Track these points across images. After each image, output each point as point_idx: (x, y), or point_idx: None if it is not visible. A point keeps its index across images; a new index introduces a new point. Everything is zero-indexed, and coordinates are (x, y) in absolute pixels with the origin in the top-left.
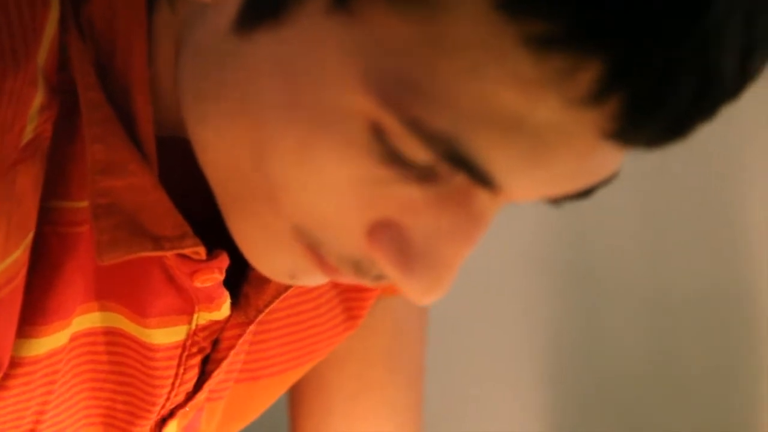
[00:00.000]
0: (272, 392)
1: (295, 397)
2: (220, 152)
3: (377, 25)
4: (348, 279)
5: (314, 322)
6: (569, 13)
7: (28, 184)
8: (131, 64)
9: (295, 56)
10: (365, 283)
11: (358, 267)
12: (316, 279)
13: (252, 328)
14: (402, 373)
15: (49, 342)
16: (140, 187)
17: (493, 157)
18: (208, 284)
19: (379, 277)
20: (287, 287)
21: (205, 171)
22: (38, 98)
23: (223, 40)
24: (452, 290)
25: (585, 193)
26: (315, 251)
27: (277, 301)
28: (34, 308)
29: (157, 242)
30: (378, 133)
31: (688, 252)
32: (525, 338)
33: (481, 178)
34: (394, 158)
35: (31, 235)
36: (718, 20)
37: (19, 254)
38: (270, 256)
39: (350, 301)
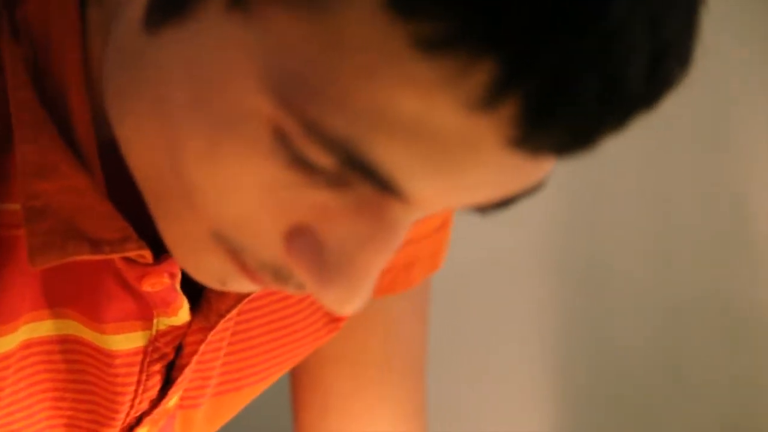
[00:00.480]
0: (253, 395)
1: (294, 394)
2: (140, 153)
3: (272, 25)
4: (271, 286)
5: (295, 327)
6: (458, 13)
7: None
8: (65, 64)
9: (198, 55)
10: (287, 290)
11: (277, 273)
12: (245, 285)
13: (215, 333)
14: (398, 371)
15: None
16: (75, 189)
17: (395, 163)
18: (158, 288)
19: (300, 285)
20: (249, 293)
21: (130, 168)
22: None
23: (136, 36)
24: (461, 287)
25: (508, 202)
26: (237, 256)
27: (254, 309)
28: None
29: (96, 246)
30: (280, 136)
31: (701, 251)
32: (534, 337)
33: (386, 186)
34: (298, 162)
35: None
36: (618, 22)
37: None
38: (195, 260)
39: None
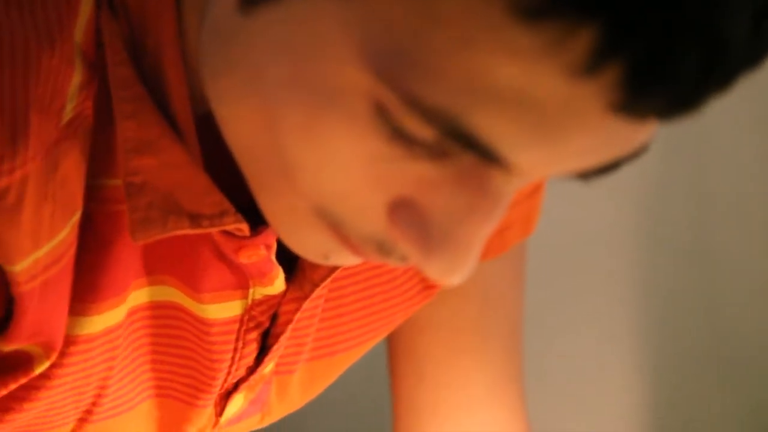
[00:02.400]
0: (348, 361)
1: (391, 362)
2: (238, 131)
3: (372, 1)
4: (374, 259)
5: (389, 294)
6: None
7: (71, 163)
8: (162, 40)
9: (296, 34)
10: (391, 263)
11: (381, 247)
12: (348, 259)
13: (310, 302)
14: (494, 338)
15: (104, 320)
16: (174, 164)
17: (498, 133)
18: (254, 260)
19: (404, 258)
20: None
21: (230, 147)
22: (76, 76)
23: (231, 17)
24: (556, 261)
25: (610, 168)
26: (339, 231)
27: (348, 276)
28: (85, 287)
29: (195, 220)
30: (380, 109)
31: None
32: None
33: (489, 156)
34: (399, 135)
35: (77, 215)
36: None
37: (66, 234)
38: (298, 236)
39: None
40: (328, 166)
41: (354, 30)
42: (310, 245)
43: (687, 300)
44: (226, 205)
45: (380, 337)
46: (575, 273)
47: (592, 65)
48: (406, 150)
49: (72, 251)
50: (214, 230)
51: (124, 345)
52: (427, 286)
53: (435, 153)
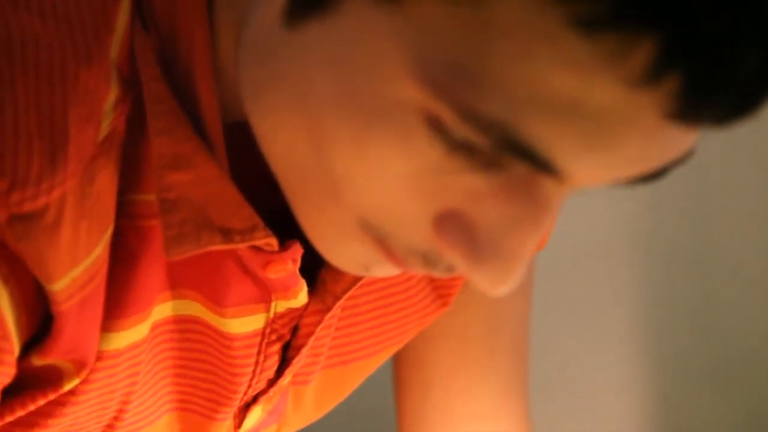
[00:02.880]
0: (363, 372)
1: (396, 371)
2: (281, 145)
3: (425, 14)
4: (418, 270)
5: (404, 304)
6: None
7: (105, 179)
8: (194, 54)
9: (344, 49)
10: (435, 274)
11: (426, 259)
12: (389, 270)
13: (331, 314)
14: (502, 349)
15: (130, 335)
16: (207, 179)
17: (553, 143)
18: (281, 275)
19: (450, 268)
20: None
21: (269, 162)
22: (112, 93)
23: (274, 31)
24: (564, 273)
25: (658, 174)
26: (383, 243)
27: (363, 285)
28: (114, 302)
29: (227, 235)
30: (434, 123)
31: None
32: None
33: (543, 165)
34: (452, 148)
35: (110, 231)
36: None
37: (100, 251)
38: (340, 249)
39: (440, 281)
40: (377, 180)
41: (407, 43)
42: (350, 257)
43: (684, 303)
44: (257, 219)
45: (395, 347)
46: (572, 278)
47: (650, 76)
48: (459, 162)
49: (105, 268)
50: (244, 245)
51: (147, 360)
52: (441, 295)
53: (487, 164)
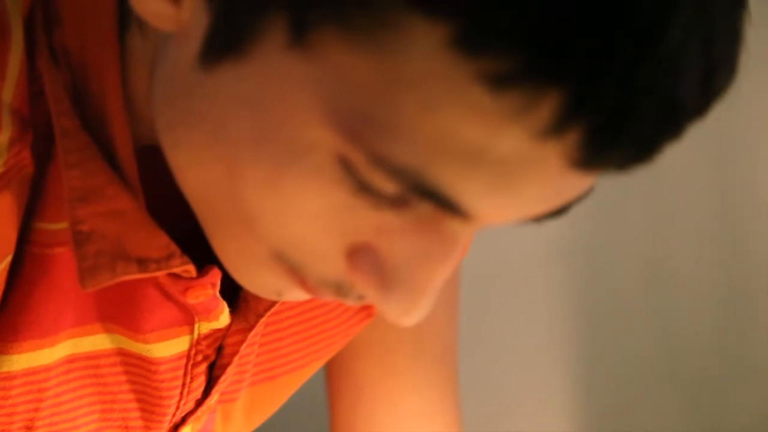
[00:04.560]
0: (292, 386)
1: (328, 382)
2: (195, 178)
3: (335, 61)
4: (330, 299)
5: (327, 317)
6: (523, 50)
7: (2, 215)
8: (105, 87)
9: (257, 91)
10: (347, 302)
11: (338, 288)
12: (301, 296)
13: (254, 332)
14: (429, 356)
15: (25, 359)
16: (120, 210)
17: (460, 187)
18: (201, 299)
19: (361, 298)
20: None
21: (184, 191)
22: (5, 134)
23: (190, 70)
24: (490, 283)
25: (561, 211)
26: (296, 274)
27: (285, 302)
28: (6, 326)
29: (143, 264)
30: (345, 165)
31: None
32: (551, 329)
33: (450, 207)
34: (364, 188)
35: (7, 260)
36: (674, 48)
37: None
38: (254, 276)
39: None
40: (289, 217)
41: (319, 88)
42: (263, 284)
43: (636, 313)
44: (173, 247)
45: (322, 360)
46: (512, 289)
47: (554, 129)
48: (369, 201)
49: None
50: (161, 273)
51: (59, 391)
52: (365, 307)
53: (397, 202)
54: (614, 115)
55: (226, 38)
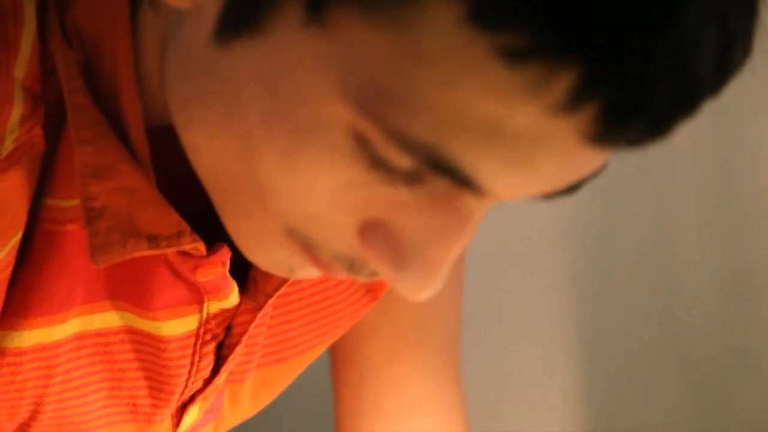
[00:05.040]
0: (298, 368)
1: (333, 368)
2: (209, 156)
3: (352, 38)
4: (342, 275)
5: (335, 299)
6: (539, 25)
7: (13, 190)
8: (117, 65)
9: (273, 67)
10: (359, 279)
11: (351, 265)
12: (313, 273)
13: (263, 312)
14: (432, 341)
15: (35, 336)
16: (132, 187)
17: (476, 162)
18: (211, 277)
19: (373, 274)
20: None
21: (197, 171)
22: (16, 110)
23: (204, 47)
24: (495, 265)
25: (573, 188)
26: (309, 250)
27: (294, 283)
28: (17, 302)
29: (153, 241)
30: (360, 140)
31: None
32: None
33: (465, 183)
34: (378, 164)
35: (18, 236)
36: (691, 26)
37: (2, 256)
38: (266, 254)
39: None
40: (304, 193)
41: (335, 65)
42: (276, 261)
43: (641, 298)
44: (183, 225)
45: (328, 342)
46: (515, 276)
47: (570, 104)
48: (382, 176)
49: (8, 271)
50: (171, 251)
51: (69, 368)
52: (371, 289)
53: (411, 178)
54: (629, 92)
55: (242, 14)
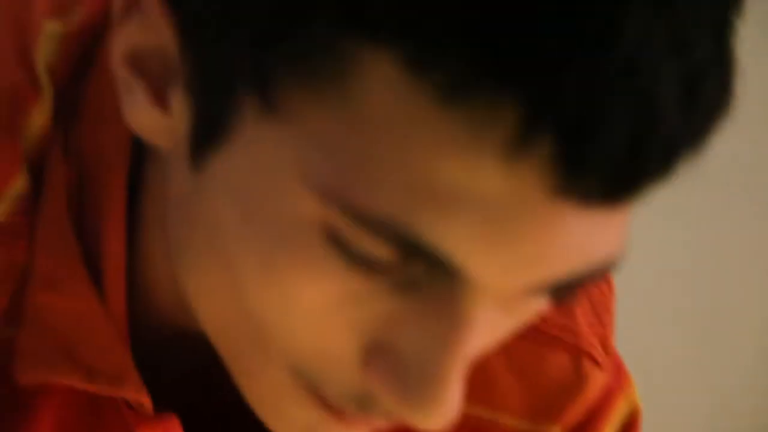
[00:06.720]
0: None
1: None
2: (208, 307)
3: (301, 120)
4: (358, 419)
5: None
6: (468, 56)
7: None
8: (108, 197)
9: (241, 173)
10: (376, 420)
11: (361, 403)
12: None
13: None
14: None
15: None
16: (81, 312)
17: (446, 238)
18: None
19: (388, 414)
20: None
21: (209, 337)
22: (20, 181)
23: (186, 181)
24: None
25: (578, 284)
26: (317, 394)
27: None
28: None
29: (91, 375)
30: (332, 236)
31: None
32: None
33: (441, 266)
34: (355, 261)
35: None
36: (635, 39)
37: None
38: (281, 413)
39: None
40: (293, 315)
41: (293, 152)
42: (293, 423)
43: None
44: (130, 370)
45: None
46: None
47: (520, 143)
48: (367, 281)
49: None
50: (110, 392)
51: None
52: None
53: (398, 283)
54: (580, 119)
55: (207, 129)
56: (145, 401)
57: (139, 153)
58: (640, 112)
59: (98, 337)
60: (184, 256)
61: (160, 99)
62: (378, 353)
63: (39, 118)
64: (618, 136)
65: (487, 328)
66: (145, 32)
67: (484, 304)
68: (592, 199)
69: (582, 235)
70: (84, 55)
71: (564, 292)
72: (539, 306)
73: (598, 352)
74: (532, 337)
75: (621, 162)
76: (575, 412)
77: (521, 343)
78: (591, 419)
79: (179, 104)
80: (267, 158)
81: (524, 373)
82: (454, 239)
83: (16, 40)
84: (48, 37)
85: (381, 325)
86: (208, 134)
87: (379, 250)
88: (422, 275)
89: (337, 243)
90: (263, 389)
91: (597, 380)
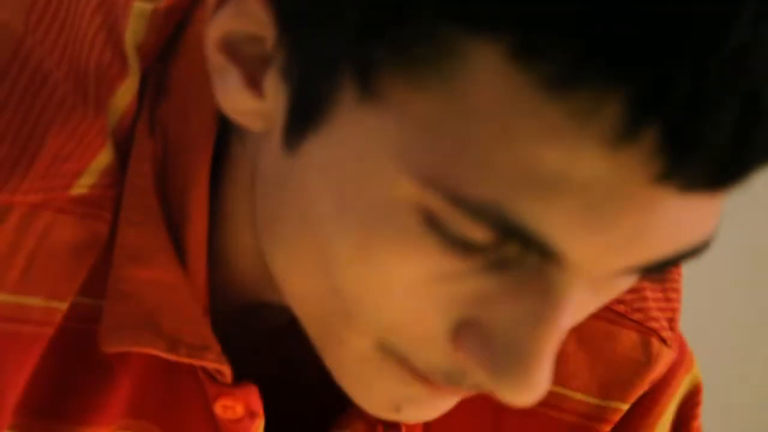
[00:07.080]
0: None
1: None
2: (296, 281)
3: (404, 105)
4: (446, 391)
5: None
6: (577, 48)
7: (62, 242)
8: (193, 172)
9: (337, 156)
10: (462, 392)
11: (449, 377)
12: (421, 411)
13: None
14: None
15: None
16: (167, 283)
17: (546, 222)
18: (229, 415)
19: (476, 385)
20: None
21: (294, 309)
22: (105, 155)
23: (278, 162)
24: None
25: (671, 264)
26: (405, 365)
27: None
28: (53, 408)
29: (173, 344)
30: (429, 218)
31: None
32: None
33: (539, 248)
34: (452, 244)
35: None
36: (746, 33)
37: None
38: (366, 385)
39: None
40: (385, 294)
41: (393, 138)
42: (379, 394)
43: None
44: (212, 341)
45: None
46: None
47: (626, 133)
48: (462, 262)
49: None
50: (191, 361)
51: None
52: None
53: (492, 264)
54: (688, 111)
55: (304, 112)
56: (226, 370)
57: (224, 131)
58: (747, 105)
59: (181, 308)
60: (274, 231)
61: (253, 84)
62: (469, 329)
63: (125, 95)
64: (724, 127)
65: (578, 307)
66: (241, 19)
67: (579, 285)
68: (695, 186)
69: (680, 220)
70: (172, 34)
71: (654, 271)
72: (627, 285)
73: (665, 331)
74: (603, 316)
75: (726, 152)
76: (642, 389)
77: (592, 321)
78: (655, 392)
79: (273, 89)
80: (364, 142)
81: (595, 350)
82: (555, 223)
83: (106, 19)
84: (137, 15)
85: (472, 302)
86: (304, 118)
87: (475, 232)
88: (515, 255)
89: (433, 225)
90: (349, 361)
91: (664, 358)
